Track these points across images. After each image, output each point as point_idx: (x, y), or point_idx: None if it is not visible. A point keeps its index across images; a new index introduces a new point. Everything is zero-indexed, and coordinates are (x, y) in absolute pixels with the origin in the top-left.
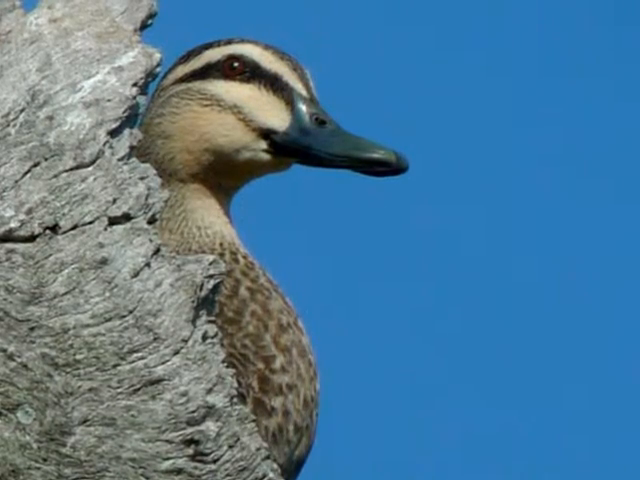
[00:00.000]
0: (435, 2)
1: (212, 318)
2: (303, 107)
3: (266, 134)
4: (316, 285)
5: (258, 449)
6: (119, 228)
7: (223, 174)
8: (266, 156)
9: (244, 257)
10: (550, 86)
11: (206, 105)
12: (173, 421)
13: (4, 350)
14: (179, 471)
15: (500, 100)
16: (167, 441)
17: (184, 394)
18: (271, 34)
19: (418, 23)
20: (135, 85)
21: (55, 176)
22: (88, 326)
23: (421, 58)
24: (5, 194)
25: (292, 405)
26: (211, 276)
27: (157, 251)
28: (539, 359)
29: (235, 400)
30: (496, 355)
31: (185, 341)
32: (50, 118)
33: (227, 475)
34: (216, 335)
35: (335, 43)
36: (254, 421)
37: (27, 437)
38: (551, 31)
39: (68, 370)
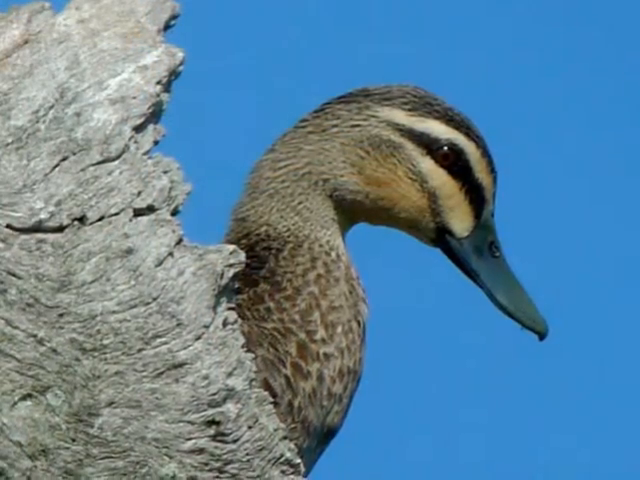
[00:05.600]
0: (434, 6)
1: (232, 305)
2: (486, 229)
3: (443, 230)
4: None
5: (276, 430)
6: (144, 219)
7: (375, 219)
8: (428, 241)
9: (340, 258)
10: (550, 85)
11: (411, 178)
12: (195, 403)
13: (34, 335)
14: (201, 451)
15: (500, 101)
16: (189, 422)
17: (205, 377)
18: (282, 35)
19: (418, 25)
20: (159, 83)
21: (82, 170)
22: (114, 312)
23: (420, 59)
24: (35, 187)
25: (327, 372)
26: (231, 265)
27: (179, 241)
28: (539, 362)
29: (254, 383)
30: (504, 366)
31: (206, 327)
32: (78, 114)
33: (246, 454)
34: (236, 321)
35: (332, 51)
36: (272, 403)
37: (56, 418)
38: (549, 32)
39: (95, 354)
